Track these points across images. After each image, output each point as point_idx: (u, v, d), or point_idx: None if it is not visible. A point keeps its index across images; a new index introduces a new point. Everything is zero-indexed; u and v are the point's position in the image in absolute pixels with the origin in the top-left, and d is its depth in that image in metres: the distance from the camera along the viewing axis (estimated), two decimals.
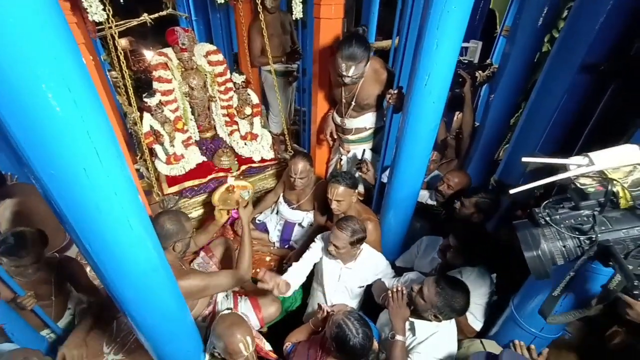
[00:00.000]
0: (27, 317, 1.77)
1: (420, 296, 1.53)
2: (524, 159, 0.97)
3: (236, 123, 2.55)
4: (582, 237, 0.90)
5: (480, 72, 3.03)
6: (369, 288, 2.03)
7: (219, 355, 1.55)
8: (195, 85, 2.38)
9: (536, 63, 2.40)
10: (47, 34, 0.67)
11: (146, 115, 2.17)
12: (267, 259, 2.52)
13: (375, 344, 1.56)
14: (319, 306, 1.80)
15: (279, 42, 3.37)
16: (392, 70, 2.23)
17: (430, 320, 1.57)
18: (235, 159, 2.54)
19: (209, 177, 2.41)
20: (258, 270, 2.42)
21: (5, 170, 2.44)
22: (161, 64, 2.19)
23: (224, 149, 2.52)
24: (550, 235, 0.93)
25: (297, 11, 2.15)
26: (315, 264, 2.03)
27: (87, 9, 1.53)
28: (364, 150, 2.47)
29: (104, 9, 1.58)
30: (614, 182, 0.87)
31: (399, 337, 1.52)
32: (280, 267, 2.41)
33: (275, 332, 1.96)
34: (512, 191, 0.95)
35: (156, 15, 2.51)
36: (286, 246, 2.55)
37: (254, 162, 2.60)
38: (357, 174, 2.45)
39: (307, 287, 2.27)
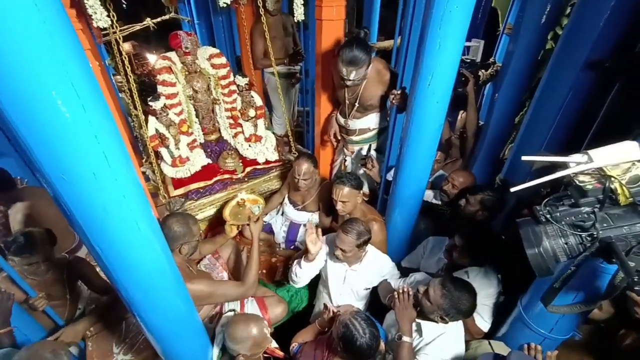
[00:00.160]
0: (38, 317, 1.80)
1: (426, 298, 1.52)
2: (524, 158, 0.98)
3: (240, 125, 2.57)
4: (583, 234, 0.91)
5: (483, 70, 3.02)
6: (375, 289, 2.03)
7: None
8: (199, 88, 2.40)
9: (540, 61, 2.39)
10: (55, 42, 0.69)
11: (151, 118, 2.19)
12: (273, 259, 2.53)
13: (382, 345, 1.56)
14: (325, 306, 1.80)
15: (281, 44, 3.38)
16: (395, 71, 2.24)
17: (437, 322, 1.57)
18: (240, 160, 2.55)
19: (214, 179, 2.43)
20: (264, 271, 2.45)
21: (15, 174, 2.48)
22: (165, 67, 2.21)
23: (229, 151, 2.53)
24: (552, 233, 0.93)
25: (299, 13, 2.16)
26: None
27: (91, 15, 1.56)
28: (369, 145, 2.47)
29: (108, 15, 1.60)
30: (612, 179, 0.87)
31: (405, 339, 1.51)
32: (286, 268, 2.42)
33: (282, 333, 1.97)
34: (513, 189, 0.96)
35: (159, 19, 2.53)
36: (292, 247, 2.56)
37: (258, 163, 2.61)
38: (361, 170, 2.44)
39: (313, 288, 2.28)
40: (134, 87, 2.04)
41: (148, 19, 2.42)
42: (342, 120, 2.46)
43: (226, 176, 2.47)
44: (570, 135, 2.02)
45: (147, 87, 2.70)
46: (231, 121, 2.57)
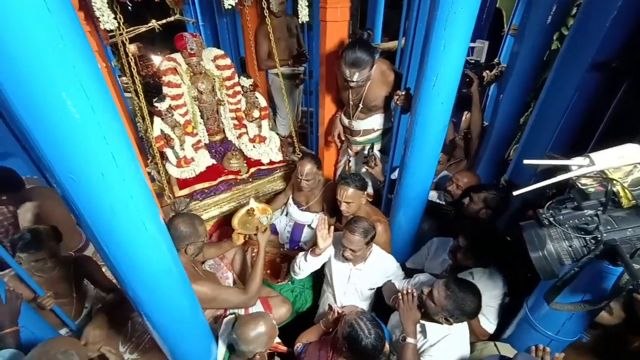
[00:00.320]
0: (45, 316, 1.82)
1: (431, 299, 1.52)
2: (526, 162, 0.98)
3: (244, 126, 2.58)
4: (587, 237, 0.90)
5: (487, 71, 3.01)
6: (379, 290, 2.03)
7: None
8: (204, 89, 2.42)
9: (545, 61, 2.38)
10: (66, 44, 0.70)
11: (156, 119, 2.21)
12: (277, 260, 2.54)
13: (387, 346, 1.56)
14: (330, 307, 1.80)
15: (285, 45, 3.39)
16: (399, 72, 2.24)
17: (441, 323, 1.56)
18: (244, 161, 2.56)
19: (219, 179, 2.45)
20: (268, 271, 2.45)
21: (23, 174, 2.51)
22: (170, 69, 2.23)
23: (233, 152, 2.55)
24: (556, 236, 0.93)
25: (303, 15, 2.17)
26: (324, 265, 2.04)
27: (99, 18, 1.58)
28: (372, 144, 2.47)
29: (115, 18, 1.63)
30: (614, 182, 0.87)
31: (410, 340, 1.51)
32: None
33: (286, 333, 1.97)
34: (515, 193, 0.96)
35: (164, 21, 2.55)
36: (296, 247, 2.56)
37: (262, 164, 2.62)
38: (364, 169, 2.44)
39: (317, 289, 2.28)
40: (140, 88, 2.06)
41: (153, 20, 2.43)
42: (346, 121, 2.46)
43: (230, 177, 2.49)
44: (576, 136, 2.00)
45: (153, 89, 2.72)
46: (235, 122, 2.58)
